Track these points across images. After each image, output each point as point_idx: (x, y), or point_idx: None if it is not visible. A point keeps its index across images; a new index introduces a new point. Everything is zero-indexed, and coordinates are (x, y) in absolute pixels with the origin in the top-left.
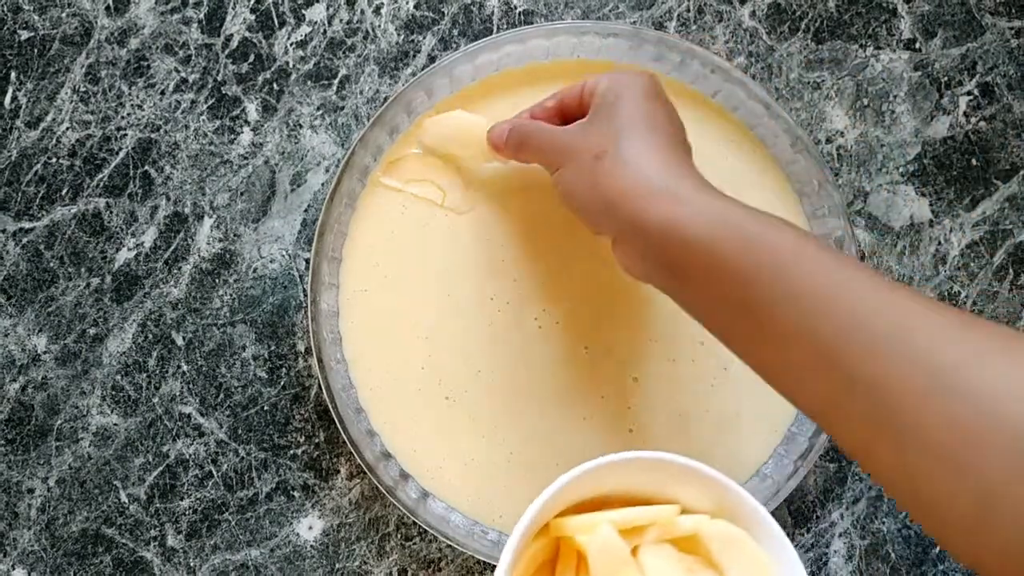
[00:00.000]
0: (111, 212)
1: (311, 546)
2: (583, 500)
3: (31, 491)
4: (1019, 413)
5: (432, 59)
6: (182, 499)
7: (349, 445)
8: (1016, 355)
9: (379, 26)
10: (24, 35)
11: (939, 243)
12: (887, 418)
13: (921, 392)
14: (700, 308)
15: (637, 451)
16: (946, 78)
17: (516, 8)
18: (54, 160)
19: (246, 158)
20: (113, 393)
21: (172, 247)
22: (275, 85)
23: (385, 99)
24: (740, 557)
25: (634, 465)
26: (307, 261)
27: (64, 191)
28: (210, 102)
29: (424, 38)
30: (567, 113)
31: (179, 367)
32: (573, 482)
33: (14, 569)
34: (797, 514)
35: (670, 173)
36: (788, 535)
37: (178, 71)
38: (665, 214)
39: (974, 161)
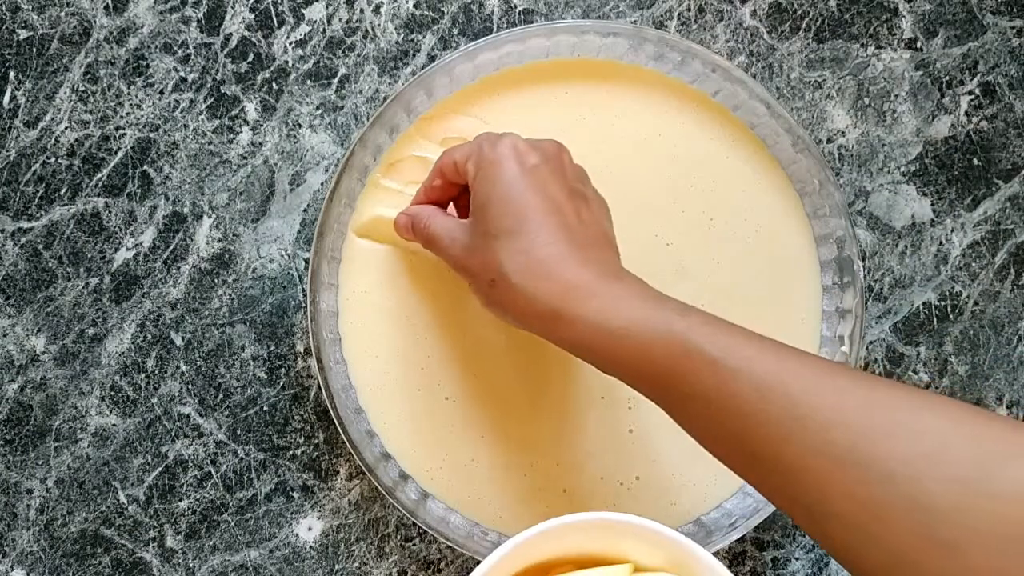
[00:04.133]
0: (110, 212)
1: (310, 547)
2: (529, 565)
3: (30, 492)
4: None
5: (432, 58)
6: (181, 500)
7: (349, 446)
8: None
9: (379, 25)
10: (23, 34)
11: (940, 243)
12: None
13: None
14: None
15: (580, 513)
16: (947, 77)
17: (516, 7)
18: (53, 160)
19: (245, 158)
20: (112, 393)
21: (171, 247)
22: (274, 84)
23: (385, 98)
24: None
25: (579, 526)
26: (306, 261)
27: (63, 191)
28: (209, 101)
29: (424, 37)
30: (455, 187)
31: (178, 367)
32: (515, 549)
33: (13, 570)
34: None
35: (564, 287)
36: (787, 533)
37: (177, 70)
38: (579, 334)
39: (975, 161)
